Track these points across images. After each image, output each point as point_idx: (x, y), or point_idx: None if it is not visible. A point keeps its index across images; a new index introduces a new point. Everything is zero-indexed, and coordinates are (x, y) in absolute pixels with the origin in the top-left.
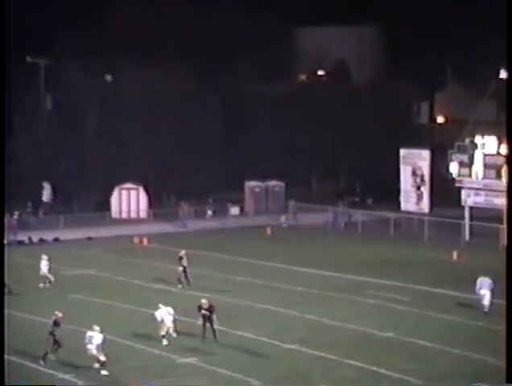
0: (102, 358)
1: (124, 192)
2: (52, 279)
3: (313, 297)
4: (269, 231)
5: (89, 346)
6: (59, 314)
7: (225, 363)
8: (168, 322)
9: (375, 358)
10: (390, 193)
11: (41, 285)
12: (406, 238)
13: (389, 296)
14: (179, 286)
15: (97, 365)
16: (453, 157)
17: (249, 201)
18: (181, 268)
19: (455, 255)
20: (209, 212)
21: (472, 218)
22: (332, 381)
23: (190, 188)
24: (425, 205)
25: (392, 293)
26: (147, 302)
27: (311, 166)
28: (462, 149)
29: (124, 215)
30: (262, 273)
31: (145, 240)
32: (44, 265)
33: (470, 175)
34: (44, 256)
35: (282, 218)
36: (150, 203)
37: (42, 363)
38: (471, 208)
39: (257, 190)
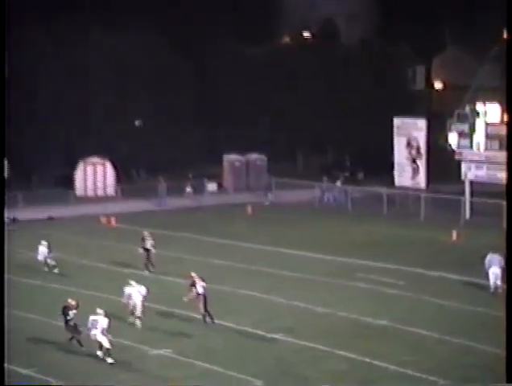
0: (107, 344)
1: (89, 167)
2: (53, 263)
3: (299, 281)
4: (250, 209)
5: (93, 332)
6: (73, 302)
7: (203, 354)
8: (137, 301)
9: (368, 348)
10: (382, 167)
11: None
12: (401, 216)
13: (382, 280)
14: (147, 272)
15: (99, 353)
16: (452, 126)
17: (227, 176)
18: (144, 251)
19: (454, 235)
20: (188, 189)
21: (473, 194)
22: (320, 374)
23: (162, 162)
24: (421, 180)
25: (385, 276)
26: (115, 289)
27: (296, 137)
28: (462, 118)
29: (89, 193)
30: (242, 256)
31: (113, 220)
32: (42, 252)
33: (471, 147)
34: (43, 242)
35: (270, 196)
36: (119, 179)
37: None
38: (472, 183)
39: (236, 164)
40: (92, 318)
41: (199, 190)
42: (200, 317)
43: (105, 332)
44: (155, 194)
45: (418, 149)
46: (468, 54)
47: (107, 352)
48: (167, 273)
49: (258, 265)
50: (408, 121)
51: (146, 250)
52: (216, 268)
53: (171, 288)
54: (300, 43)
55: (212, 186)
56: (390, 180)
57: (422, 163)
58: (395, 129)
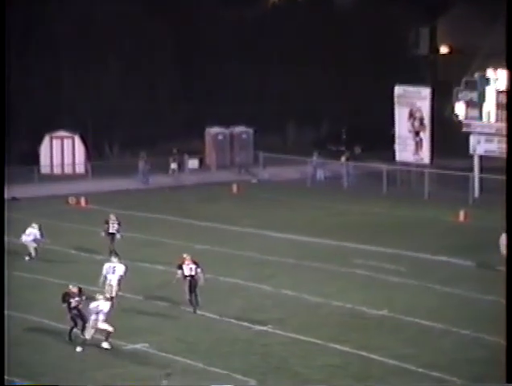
0: (110, 328)
1: (56, 141)
2: (33, 253)
3: (289, 268)
4: (235, 188)
5: (94, 317)
6: (74, 289)
7: (183, 349)
8: (114, 280)
9: (365, 341)
10: (382, 140)
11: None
12: (403, 195)
13: (381, 266)
14: (115, 259)
15: (105, 344)
16: (460, 95)
17: (210, 152)
18: (107, 236)
19: (461, 215)
20: (173, 165)
21: (482, 170)
22: (312, 369)
23: (138, 137)
24: (425, 154)
25: (385, 262)
26: (85, 277)
27: (285, 108)
28: (470, 86)
29: (56, 170)
30: (226, 240)
31: (82, 201)
32: (30, 235)
33: (480, 117)
34: (34, 225)
35: (258, 173)
36: (89, 155)
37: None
38: (481, 158)
39: (220, 138)
40: (92, 305)
41: (181, 167)
42: (182, 307)
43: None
44: (133, 171)
45: (421, 120)
46: (478, 14)
47: (107, 336)
48: (143, 260)
49: (243, 250)
50: (410, 89)
51: (110, 234)
52: (196, 254)
53: (146, 275)
54: (290, 3)
55: (192, 163)
56: (390, 155)
57: (426, 136)
58: (396, 99)
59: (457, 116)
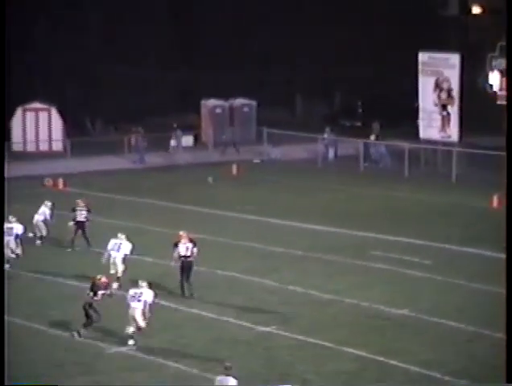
0: (142, 323)
1: (30, 114)
2: (44, 233)
3: (297, 260)
4: (235, 169)
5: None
6: (102, 278)
7: (174, 353)
8: (118, 259)
9: (383, 344)
10: (403, 115)
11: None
12: (427, 177)
13: (402, 258)
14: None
15: (131, 329)
16: (494, 62)
17: (207, 127)
18: (74, 225)
19: (495, 200)
20: (173, 142)
21: None
22: (323, 376)
23: (124, 110)
24: (453, 131)
25: (407, 254)
26: (61, 269)
27: (293, 77)
28: (507, 52)
29: (30, 147)
30: (225, 228)
31: (60, 183)
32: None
33: None
34: (47, 203)
35: (268, 151)
36: (67, 131)
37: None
38: None
39: (217, 111)
40: (132, 291)
41: (169, 144)
42: (174, 305)
43: (148, 309)
44: (120, 149)
45: (449, 92)
46: None
47: (137, 331)
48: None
49: (244, 240)
50: (437, 56)
51: (78, 223)
52: None
53: (133, 268)
54: None
55: (186, 140)
56: (413, 132)
57: (454, 110)
58: (420, 67)
59: (491, 86)
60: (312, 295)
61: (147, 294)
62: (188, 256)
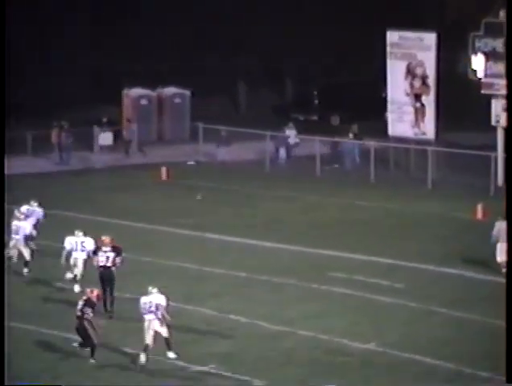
0: (165, 333)
1: None
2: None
3: (240, 284)
4: (164, 173)
5: (148, 317)
6: (94, 292)
7: None
8: (79, 260)
9: None
10: (368, 107)
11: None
12: (398, 183)
13: (369, 281)
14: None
15: (143, 357)
16: (478, 43)
17: (129, 122)
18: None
19: (479, 210)
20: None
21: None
22: None
23: (29, 100)
24: (428, 127)
25: (374, 276)
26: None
27: (235, 62)
28: (493, 30)
29: None
30: (151, 245)
31: None
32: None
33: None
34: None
35: (205, 151)
36: None
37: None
38: (508, 131)
39: (143, 102)
40: (144, 300)
41: (83, 143)
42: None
43: (165, 316)
44: (21, 148)
45: (423, 79)
46: None
47: (169, 343)
48: (34, 273)
49: (175, 259)
50: (409, 35)
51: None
52: None
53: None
54: None
55: (104, 138)
56: (380, 128)
57: (429, 101)
58: (389, 49)
59: (474, 72)
60: (259, 326)
61: (159, 300)
62: (108, 267)
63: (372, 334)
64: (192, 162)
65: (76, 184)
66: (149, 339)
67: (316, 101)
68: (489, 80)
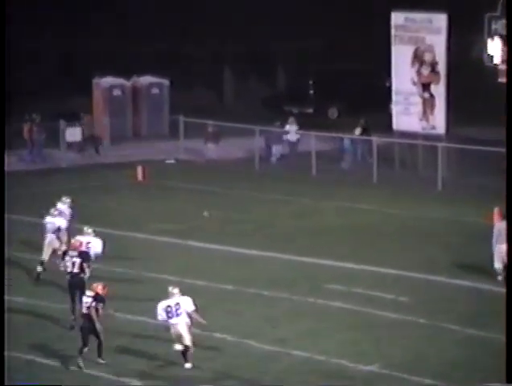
0: (188, 340)
1: None
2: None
3: (227, 298)
4: (140, 172)
5: (175, 321)
6: (99, 287)
7: None
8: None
9: None
10: (370, 98)
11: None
12: (403, 183)
13: (370, 294)
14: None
15: (179, 347)
16: (494, 26)
17: (100, 115)
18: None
19: (496, 214)
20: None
21: None
22: None
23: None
24: (438, 120)
25: (376, 288)
26: None
27: (221, 47)
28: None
29: None
30: (127, 255)
31: None
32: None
33: None
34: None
35: (204, 146)
36: None
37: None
38: None
39: (116, 93)
40: (167, 303)
41: (50, 140)
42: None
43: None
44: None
45: (433, 66)
46: None
47: (186, 352)
48: None
49: (154, 270)
50: (416, 17)
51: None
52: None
53: None
54: None
55: (72, 133)
56: (383, 121)
57: (440, 91)
58: (394, 32)
59: (490, 58)
60: (248, 346)
61: (185, 303)
62: (76, 273)
63: (375, 355)
64: (172, 161)
65: (39, 185)
66: (189, 341)
67: (312, 92)
68: (505, 66)
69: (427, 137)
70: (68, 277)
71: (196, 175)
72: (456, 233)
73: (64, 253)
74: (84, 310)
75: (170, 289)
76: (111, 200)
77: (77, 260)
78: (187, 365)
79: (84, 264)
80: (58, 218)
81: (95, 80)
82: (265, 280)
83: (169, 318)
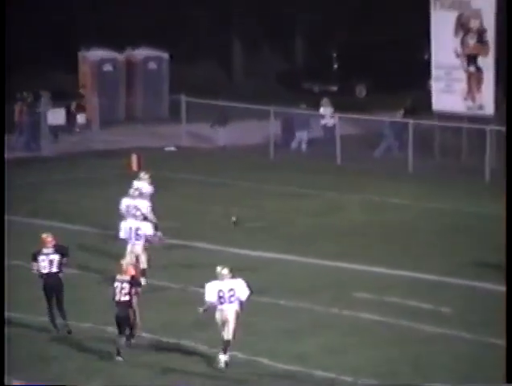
0: (230, 333)
1: None
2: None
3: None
4: (135, 162)
5: (223, 307)
6: (130, 267)
7: None
8: (138, 245)
9: None
10: (405, 74)
11: None
12: (445, 173)
13: (406, 304)
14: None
15: (222, 358)
16: None
17: (88, 94)
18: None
19: None
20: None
21: None
22: None
23: None
24: (486, 99)
25: (412, 297)
26: None
27: (229, 16)
28: None
29: None
30: (112, 257)
31: None
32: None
33: None
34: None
35: (217, 131)
36: None
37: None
38: None
39: (106, 69)
40: (217, 286)
41: (30, 122)
42: None
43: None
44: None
45: (480, 34)
46: None
47: (227, 345)
48: None
49: (153, 276)
50: None
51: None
52: (70, 278)
53: None
54: None
55: (56, 116)
56: (421, 100)
57: (488, 64)
58: None
59: None
60: (262, 365)
61: (240, 289)
62: (54, 273)
63: (411, 376)
64: (172, 148)
65: (14, 177)
66: (228, 334)
67: (336, 66)
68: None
69: (472, 118)
70: (44, 277)
71: (200, 165)
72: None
73: (36, 255)
74: (122, 297)
75: (218, 269)
76: (100, 195)
77: (55, 257)
78: (223, 357)
79: (65, 259)
80: (139, 199)
81: (81, 53)
82: (281, 287)
83: (220, 303)
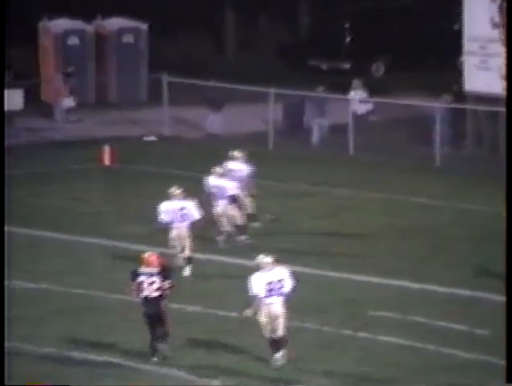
0: (280, 332)
1: None
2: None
3: (230, 329)
4: (107, 154)
5: (272, 300)
6: (154, 257)
7: None
8: (183, 231)
9: None
10: (430, 48)
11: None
12: (479, 167)
13: (434, 324)
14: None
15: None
16: None
17: (50, 73)
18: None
19: None
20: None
21: None
22: None
23: None
24: None
25: (442, 316)
26: None
27: None
28: None
29: None
30: (82, 269)
31: None
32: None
33: None
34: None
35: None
36: None
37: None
38: None
39: (72, 42)
40: (265, 277)
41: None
42: None
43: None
44: None
45: None
46: None
47: (279, 344)
48: None
49: (117, 292)
50: None
51: None
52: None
53: None
54: None
55: (12, 99)
56: (450, 79)
57: None
58: None
59: None
60: None
61: (287, 279)
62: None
63: None
64: (152, 138)
65: None
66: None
67: (348, 40)
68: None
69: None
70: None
71: (186, 158)
72: None
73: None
74: (152, 293)
75: (260, 257)
76: (65, 193)
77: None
78: (278, 355)
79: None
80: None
81: (42, 24)
82: (285, 304)
83: (269, 296)
